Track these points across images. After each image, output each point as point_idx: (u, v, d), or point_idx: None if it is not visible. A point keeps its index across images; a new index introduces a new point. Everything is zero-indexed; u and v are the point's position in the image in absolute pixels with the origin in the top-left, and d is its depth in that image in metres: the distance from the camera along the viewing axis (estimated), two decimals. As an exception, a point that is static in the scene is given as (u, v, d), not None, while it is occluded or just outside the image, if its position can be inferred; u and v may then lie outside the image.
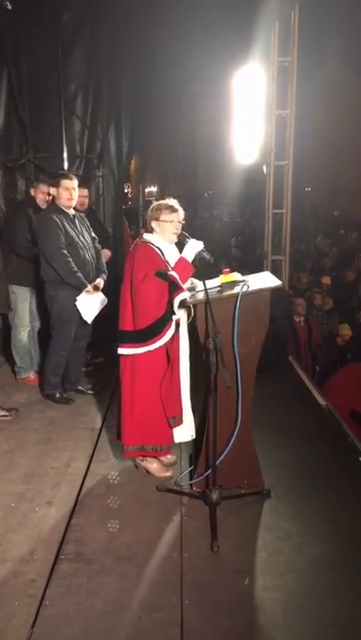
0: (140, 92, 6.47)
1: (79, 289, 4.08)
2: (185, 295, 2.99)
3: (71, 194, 4.13)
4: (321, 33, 9.08)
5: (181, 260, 3.07)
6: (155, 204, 3.23)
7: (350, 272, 8.34)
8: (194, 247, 3.04)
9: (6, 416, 4.07)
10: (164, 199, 3.28)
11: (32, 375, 4.79)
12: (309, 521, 2.93)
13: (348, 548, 2.73)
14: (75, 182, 4.14)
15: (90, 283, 4.14)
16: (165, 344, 3.06)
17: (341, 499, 3.15)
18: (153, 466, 3.33)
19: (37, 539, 2.75)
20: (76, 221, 4.24)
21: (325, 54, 10.95)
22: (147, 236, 3.19)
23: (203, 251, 3.03)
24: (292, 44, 5.96)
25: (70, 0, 5.56)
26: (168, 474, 3.31)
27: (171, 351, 3.11)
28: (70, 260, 4.03)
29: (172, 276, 2.99)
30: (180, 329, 3.18)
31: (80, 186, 5.02)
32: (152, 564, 2.58)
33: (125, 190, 8.05)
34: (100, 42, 5.75)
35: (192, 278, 3.22)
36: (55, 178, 4.23)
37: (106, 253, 4.81)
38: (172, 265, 3.09)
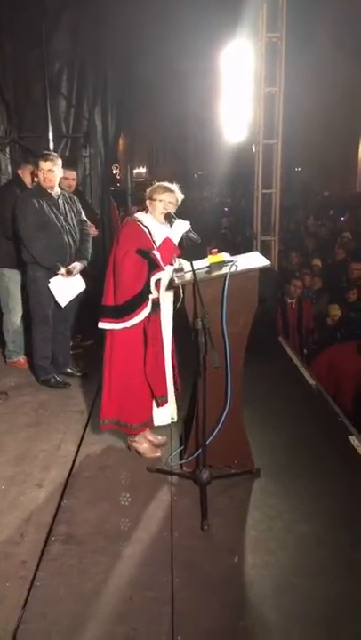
0: (127, 70, 6.34)
1: (53, 271, 4.03)
2: (162, 275, 3.03)
3: (47, 175, 4.01)
4: (310, 9, 8.94)
5: (166, 241, 3.05)
6: (154, 184, 3.23)
7: (341, 250, 8.30)
8: (180, 228, 3.02)
9: None
10: (154, 181, 3.28)
11: (22, 359, 4.76)
12: (299, 499, 2.96)
13: (338, 525, 2.76)
14: (50, 164, 4.00)
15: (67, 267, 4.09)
16: (143, 322, 3.07)
17: (331, 477, 3.18)
18: (143, 446, 3.35)
19: (28, 521, 2.75)
20: (60, 203, 4.14)
21: (315, 31, 10.80)
22: (138, 215, 3.21)
23: (190, 231, 3.00)
24: (281, 20, 5.86)
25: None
26: (157, 454, 3.33)
27: (150, 331, 3.11)
28: (43, 242, 3.98)
29: (153, 254, 3.00)
30: (164, 310, 3.18)
31: (67, 167, 4.95)
32: (143, 544, 2.59)
33: (114, 171, 7.93)
34: (84, 19, 5.61)
35: (180, 259, 3.20)
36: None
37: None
38: (158, 244, 3.08)
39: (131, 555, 2.52)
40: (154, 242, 3.09)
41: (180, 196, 3.21)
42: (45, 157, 4.05)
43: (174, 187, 3.19)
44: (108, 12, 5.68)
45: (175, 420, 3.41)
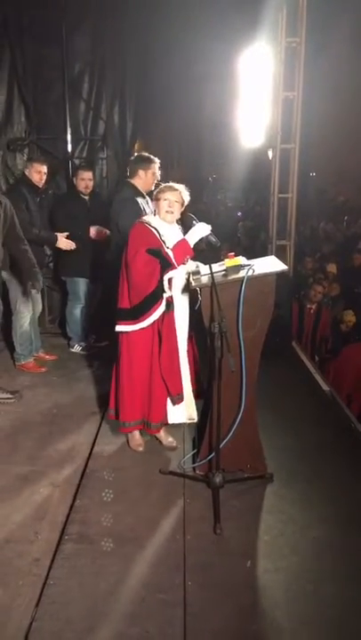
0: (145, 73, 6.36)
1: None
2: (175, 273, 3.05)
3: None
4: (330, 13, 8.91)
5: (182, 242, 3.07)
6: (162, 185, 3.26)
7: (358, 255, 8.24)
8: (199, 231, 3.03)
9: (10, 399, 4.07)
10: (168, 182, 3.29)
11: (32, 362, 4.74)
12: (312, 505, 2.95)
13: (351, 531, 2.75)
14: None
15: None
16: (157, 322, 3.09)
17: (344, 483, 3.17)
18: (135, 437, 3.42)
19: (42, 519, 2.77)
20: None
21: (334, 35, 10.76)
22: (146, 217, 3.25)
23: (210, 234, 3.01)
24: (301, 25, 5.84)
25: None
26: (140, 449, 3.40)
27: (164, 330, 3.13)
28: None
29: (166, 252, 3.01)
30: (179, 311, 3.19)
31: (84, 168, 5.01)
32: (155, 546, 2.60)
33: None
34: (104, 22, 5.64)
35: (198, 262, 3.21)
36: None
37: (104, 232, 4.80)
38: (169, 244, 3.09)
39: (143, 556, 2.53)
40: (163, 242, 3.10)
41: (186, 196, 3.22)
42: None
43: (179, 186, 3.21)
44: (128, 15, 5.70)
45: (195, 420, 3.41)
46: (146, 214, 3.86)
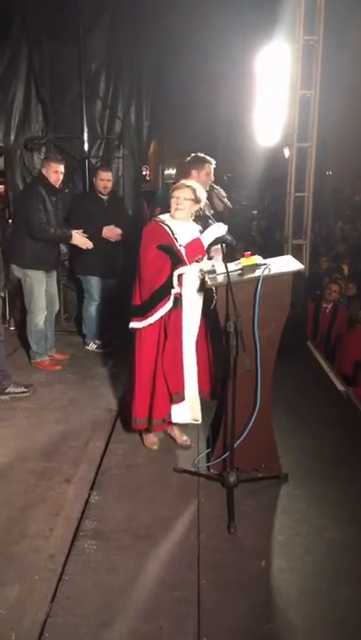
0: (161, 71, 6.36)
1: None
2: (185, 269, 3.05)
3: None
4: (348, 11, 8.83)
5: (196, 241, 3.09)
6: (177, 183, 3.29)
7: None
8: (215, 232, 3.05)
9: (25, 392, 4.10)
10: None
11: (47, 360, 4.77)
12: (327, 505, 2.93)
13: (366, 533, 2.73)
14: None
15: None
16: (164, 318, 3.11)
17: (359, 484, 3.14)
18: (149, 436, 3.43)
19: (56, 515, 2.79)
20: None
21: (352, 33, 10.66)
22: (160, 216, 3.26)
23: (225, 233, 3.01)
24: (318, 22, 5.80)
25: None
26: (155, 447, 3.41)
27: (170, 327, 3.14)
28: None
29: (177, 250, 3.03)
30: (187, 309, 3.20)
31: (103, 168, 5.04)
32: (170, 544, 2.60)
33: (144, 172, 7.97)
34: (121, 20, 5.65)
35: (213, 261, 3.21)
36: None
37: (114, 231, 4.85)
38: (181, 242, 3.10)
39: (157, 553, 2.54)
40: (175, 239, 3.11)
41: (201, 193, 3.22)
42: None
43: (191, 183, 3.22)
44: (145, 14, 5.70)
45: (199, 422, 3.42)
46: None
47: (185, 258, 3.04)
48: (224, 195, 4.10)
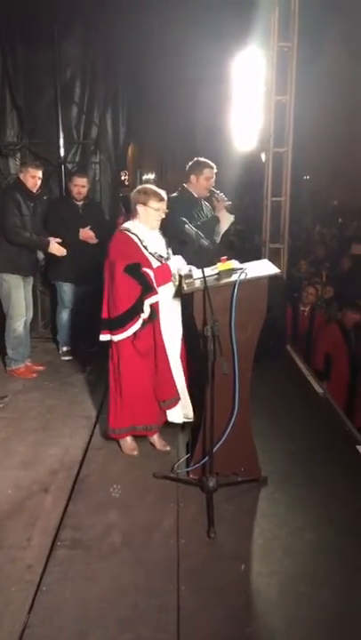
0: (138, 76, 6.37)
1: None
2: (156, 298, 3.07)
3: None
4: (322, 18, 8.96)
5: (165, 267, 3.11)
6: (141, 186, 3.26)
7: (346, 259, 8.31)
8: (179, 264, 3.13)
9: None
10: (149, 185, 3.31)
11: (23, 367, 4.70)
12: (306, 508, 2.95)
13: (344, 533, 2.74)
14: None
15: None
16: (142, 332, 3.10)
17: (337, 486, 3.16)
18: (127, 442, 3.39)
19: (34, 525, 2.75)
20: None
21: (326, 40, 10.84)
22: (126, 225, 3.22)
23: (201, 237, 3.02)
24: (293, 30, 5.88)
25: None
26: (135, 453, 3.38)
27: (151, 338, 3.15)
28: None
29: (146, 273, 3.03)
30: (169, 316, 3.20)
31: (78, 174, 5.01)
32: (149, 551, 2.58)
33: (122, 177, 7.96)
34: (96, 26, 5.65)
35: (190, 265, 3.21)
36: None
37: (89, 234, 4.83)
38: (151, 250, 3.11)
39: (136, 561, 2.52)
40: (145, 247, 3.11)
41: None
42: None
43: (164, 193, 3.23)
44: (120, 19, 5.71)
45: (191, 419, 3.42)
46: (202, 218, 3.96)
47: (154, 283, 3.04)
48: (225, 199, 4.11)
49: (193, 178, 4.05)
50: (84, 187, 4.93)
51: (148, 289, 3.03)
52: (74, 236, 4.75)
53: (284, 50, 5.94)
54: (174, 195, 4.11)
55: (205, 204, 4.19)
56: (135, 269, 3.03)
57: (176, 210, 3.75)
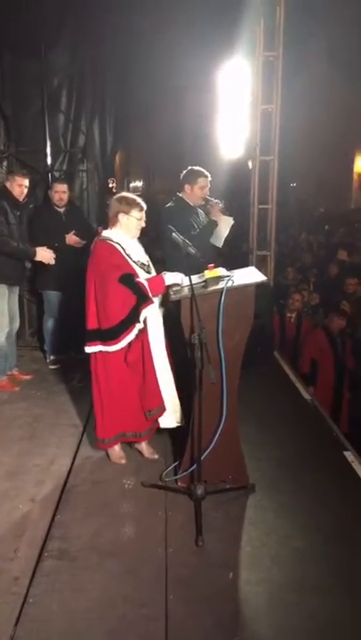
0: (125, 85, 6.41)
1: None
2: (153, 309, 3.08)
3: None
4: (306, 29, 9.08)
5: (159, 278, 3.11)
6: (122, 195, 3.25)
7: (334, 265, 8.40)
8: (176, 279, 3.09)
9: None
10: (129, 194, 3.31)
11: (5, 380, 4.61)
12: (294, 515, 2.95)
13: (332, 541, 2.75)
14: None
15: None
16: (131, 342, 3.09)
17: (325, 493, 3.17)
18: (115, 451, 3.38)
19: (21, 536, 2.73)
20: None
21: (311, 50, 10.98)
22: (106, 233, 3.20)
23: (188, 245, 3.03)
24: (278, 40, 5.95)
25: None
26: (123, 461, 3.37)
27: (139, 348, 3.15)
28: None
29: (141, 283, 3.03)
30: (152, 324, 3.20)
31: (59, 181, 5.00)
32: (136, 560, 2.57)
33: (110, 185, 7.98)
34: (83, 34, 5.68)
35: (180, 273, 3.22)
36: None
37: (74, 238, 4.81)
38: (134, 258, 3.12)
39: (124, 571, 2.50)
40: (128, 255, 3.11)
41: None
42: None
43: (143, 202, 3.23)
44: (107, 28, 5.74)
45: (181, 424, 3.41)
46: (200, 225, 3.96)
47: (150, 293, 3.04)
48: (222, 206, 4.13)
49: (187, 187, 4.06)
50: (65, 192, 4.91)
51: (145, 299, 3.02)
52: (59, 244, 4.71)
53: (270, 60, 5.99)
54: (170, 204, 4.12)
55: (201, 211, 4.20)
56: (130, 279, 3.02)
57: (167, 220, 3.77)
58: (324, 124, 15.48)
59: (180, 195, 4.12)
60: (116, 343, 3.07)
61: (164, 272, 3.18)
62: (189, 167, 4.14)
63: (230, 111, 6.57)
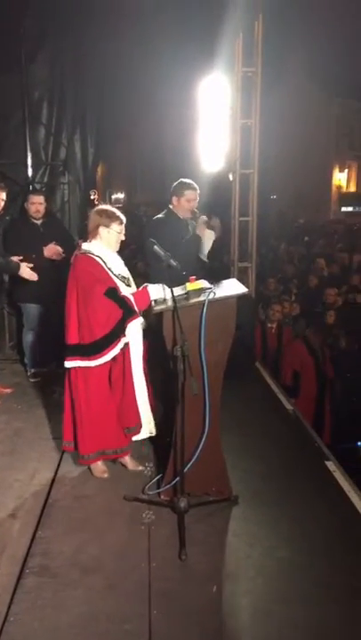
0: (107, 98, 6.45)
1: None
2: (138, 322, 3.08)
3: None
4: (285, 44, 9.27)
5: (145, 292, 3.10)
6: (102, 208, 3.25)
7: (314, 276, 8.51)
8: (161, 293, 3.07)
9: None
10: (109, 207, 3.30)
11: None
12: (277, 525, 2.95)
13: (316, 551, 2.76)
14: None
15: None
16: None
17: (308, 503, 3.19)
18: (97, 465, 3.34)
19: (1, 553, 2.68)
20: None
21: (289, 65, 11.20)
22: (86, 246, 3.18)
23: (170, 257, 3.04)
24: (256, 55, 6.06)
25: (32, 6, 5.50)
26: (105, 475, 3.33)
27: (120, 364, 3.16)
28: None
29: (127, 297, 3.03)
30: (134, 339, 3.20)
31: (34, 193, 4.97)
32: (120, 575, 2.54)
33: (92, 197, 8.00)
34: (64, 48, 5.72)
35: (162, 284, 3.22)
36: None
37: (54, 249, 4.75)
38: (115, 271, 3.13)
39: (107, 586, 2.47)
40: (109, 269, 3.12)
41: None
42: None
43: (122, 216, 3.24)
44: (88, 42, 5.79)
45: (153, 434, 3.41)
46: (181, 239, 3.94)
47: (135, 307, 3.04)
48: (206, 219, 4.13)
49: (175, 200, 4.06)
50: (41, 204, 4.84)
51: (131, 312, 3.02)
52: (39, 254, 4.67)
53: (249, 75, 6.10)
54: (159, 216, 4.13)
55: (193, 223, 4.21)
56: (115, 293, 3.02)
57: (151, 231, 3.78)
58: (303, 138, 15.76)
59: (171, 207, 4.14)
60: (100, 357, 3.05)
61: (147, 284, 3.19)
62: (180, 179, 4.13)
63: (210, 125, 6.64)
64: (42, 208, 4.86)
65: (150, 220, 4.17)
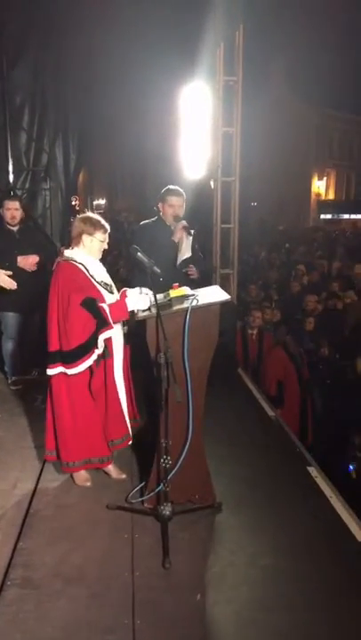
0: (88, 104, 6.45)
1: None
2: (111, 333, 3.04)
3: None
4: (265, 53, 9.39)
5: (122, 304, 3.08)
6: (86, 216, 3.23)
7: (295, 283, 8.59)
8: (140, 302, 3.06)
9: None
10: (94, 215, 3.29)
11: None
12: (261, 532, 2.96)
13: (300, 558, 2.76)
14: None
15: None
16: (94, 365, 3.07)
17: (292, 509, 3.20)
18: (80, 473, 3.32)
19: (-18, 565, 2.64)
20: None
21: (269, 74, 11.35)
22: (68, 253, 3.17)
23: (153, 264, 3.04)
24: (238, 64, 6.13)
25: (14, 12, 5.48)
26: (89, 484, 3.31)
27: (102, 376, 3.14)
28: None
29: (102, 308, 3.01)
30: (117, 349, 3.20)
31: (9, 198, 4.89)
32: (103, 585, 2.51)
33: (73, 203, 7.97)
34: (45, 54, 5.71)
35: (143, 288, 3.22)
36: None
37: (28, 260, 4.66)
38: (97, 279, 3.12)
39: (90, 597, 2.45)
40: (92, 276, 3.11)
41: None
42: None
43: (107, 224, 3.23)
44: (70, 49, 5.80)
45: (130, 442, 3.40)
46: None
47: (110, 318, 3.02)
48: (185, 223, 4.10)
49: (160, 205, 4.05)
50: (17, 210, 4.72)
51: (104, 323, 3.00)
52: (11, 262, 4.50)
53: (230, 83, 6.16)
54: (147, 221, 4.12)
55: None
56: (92, 303, 3.00)
57: (135, 235, 3.77)
58: (284, 146, 15.95)
59: (160, 213, 4.13)
60: (75, 367, 3.03)
61: (125, 289, 3.18)
62: (168, 185, 4.11)
63: (192, 133, 6.68)
64: (18, 214, 4.73)
65: (137, 225, 4.16)
